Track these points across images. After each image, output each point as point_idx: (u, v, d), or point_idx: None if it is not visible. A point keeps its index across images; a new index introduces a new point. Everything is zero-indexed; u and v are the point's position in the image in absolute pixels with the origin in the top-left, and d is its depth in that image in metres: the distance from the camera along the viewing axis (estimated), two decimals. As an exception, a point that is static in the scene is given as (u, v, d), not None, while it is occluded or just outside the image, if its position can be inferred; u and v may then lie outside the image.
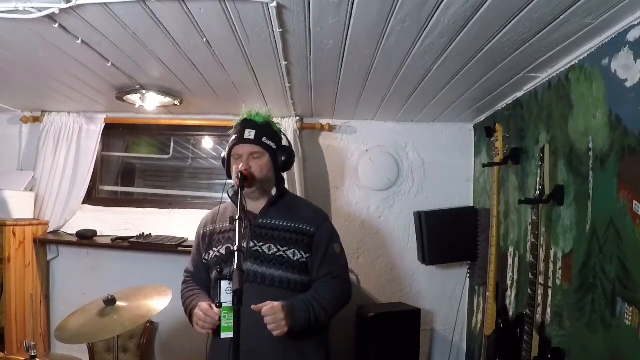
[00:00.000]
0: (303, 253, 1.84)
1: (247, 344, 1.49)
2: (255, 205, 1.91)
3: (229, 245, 1.85)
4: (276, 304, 1.66)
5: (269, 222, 1.87)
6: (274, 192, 1.94)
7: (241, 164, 1.83)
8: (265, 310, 1.65)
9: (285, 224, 1.86)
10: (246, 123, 1.91)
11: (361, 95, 2.78)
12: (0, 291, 2.97)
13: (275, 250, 1.82)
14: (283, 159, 1.91)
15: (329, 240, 1.90)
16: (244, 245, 1.82)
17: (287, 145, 1.99)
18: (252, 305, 1.65)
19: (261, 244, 1.83)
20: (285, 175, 2.15)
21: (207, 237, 1.96)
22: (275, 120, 2.06)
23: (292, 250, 1.83)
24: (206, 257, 1.95)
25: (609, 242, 1.70)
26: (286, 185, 2.18)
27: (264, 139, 1.86)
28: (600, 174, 1.78)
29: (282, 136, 1.99)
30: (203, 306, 1.74)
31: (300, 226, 1.87)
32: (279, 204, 1.92)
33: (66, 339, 2.12)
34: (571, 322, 1.93)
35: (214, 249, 1.91)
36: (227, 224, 1.93)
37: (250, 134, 1.86)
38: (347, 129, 3.46)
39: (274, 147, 1.89)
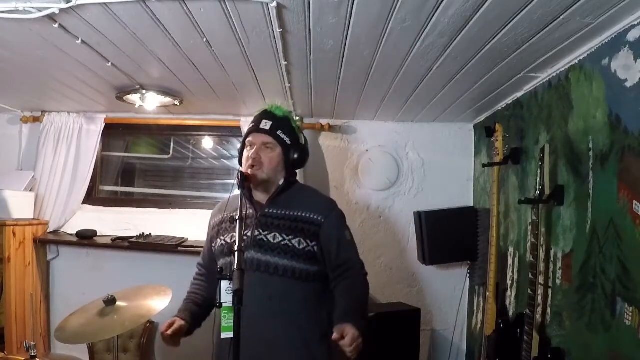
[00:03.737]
0: (309, 242, 1.80)
1: (250, 339, 1.48)
2: (263, 196, 1.90)
3: (233, 234, 1.85)
4: (353, 331, 1.63)
5: (275, 211, 1.85)
6: (281, 182, 1.90)
7: (252, 152, 1.84)
8: (349, 340, 1.63)
9: (291, 213, 1.83)
10: (265, 114, 1.91)
11: (361, 95, 2.78)
12: (0, 291, 2.97)
13: (281, 239, 1.79)
14: (295, 156, 1.87)
15: (340, 228, 1.88)
16: (249, 234, 1.82)
17: (304, 143, 1.95)
18: (257, 294, 1.67)
19: (266, 232, 1.81)
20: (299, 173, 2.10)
21: (216, 227, 1.97)
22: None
23: (297, 239, 1.79)
24: (214, 246, 1.96)
25: (609, 242, 1.70)
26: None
27: (279, 132, 1.85)
28: (600, 174, 1.78)
29: (301, 135, 1.94)
30: (167, 322, 1.80)
31: (307, 215, 1.83)
32: (286, 194, 1.89)
33: (66, 339, 2.12)
34: (571, 322, 1.93)
35: (221, 237, 1.91)
36: (235, 214, 1.94)
37: (266, 124, 1.86)
38: (347, 129, 3.46)
39: (288, 142, 1.86)
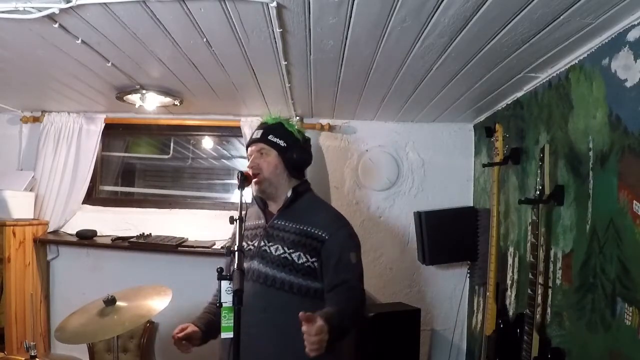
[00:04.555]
0: (309, 257, 1.76)
1: (245, 348, 1.45)
2: (275, 206, 1.90)
3: (246, 242, 1.87)
4: (322, 324, 1.47)
5: (282, 223, 1.84)
6: (289, 193, 1.88)
7: (250, 162, 1.88)
8: (315, 329, 1.46)
9: (297, 226, 1.81)
10: (259, 126, 1.97)
11: (361, 95, 2.78)
12: (0, 291, 2.97)
13: (282, 251, 1.78)
14: (294, 156, 1.87)
15: (343, 248, 1.79)
16: (255, 244, 1.83)
17: (303, 144, 1.94)
18: (253, 304, 1.62)
19: (270, 244, 1.81)
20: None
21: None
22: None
23: (297, 253, 1.76)
24: None
25: (609, 242, 1.70)
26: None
27: (270, 137, 1.88)
28: (600, 174, 1.78)
29: (299, 136, 1.93)
30: (180, 326, 1.80)
31: (312, 230, 1.79)
32: (296, 206, 1.87)
33: (66, 339, 2.12)
34: (571, 322, 1.93)
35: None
36: (250, 222, 1.93)
37: (258, 133, 1.91)
38: (347, 129, 3.46)
39: (282, 144, 1.87)
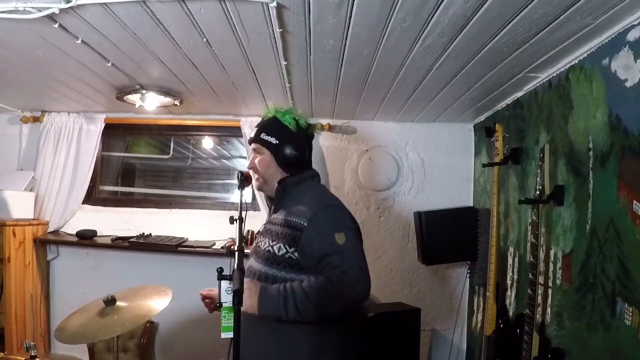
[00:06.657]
0: (287, 247, 1.69)
1: (242, 340, 1.46)
2: None
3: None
4: (254, 282, 1.65)
5: (275, 216, 1.83)
6: (276, 186, 1.85)
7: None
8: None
9: (282, 217, 1.76)
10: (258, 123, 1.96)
11: (361, 95, 2.78)
12: (0, 291, 2.97)
13: (267, 245, 1.75)
14: (287, 153, 1.81)
15: (324, 231, 1.66)
16: (256, 242, 1.85)
17: (296, 138, 1.85)
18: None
19: (263, 239, 1.80)
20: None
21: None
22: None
23: (278, 245, 1.71)
24: None
25: (609, 242, 1.70)
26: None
27: (262, 135, 1.86)
28: (600, 174, 1.78)
29: (294, 130, 1.85)
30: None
31: (292, 219, 1.72)
32: (287, 197, 1.82)
33: (66, 339, 2.12)
34: (571, 322, 1.93)
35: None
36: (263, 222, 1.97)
37: (253, 132, 1.91)
38: (347, 129, 3.46)
39: (274, 142, 1.83)
